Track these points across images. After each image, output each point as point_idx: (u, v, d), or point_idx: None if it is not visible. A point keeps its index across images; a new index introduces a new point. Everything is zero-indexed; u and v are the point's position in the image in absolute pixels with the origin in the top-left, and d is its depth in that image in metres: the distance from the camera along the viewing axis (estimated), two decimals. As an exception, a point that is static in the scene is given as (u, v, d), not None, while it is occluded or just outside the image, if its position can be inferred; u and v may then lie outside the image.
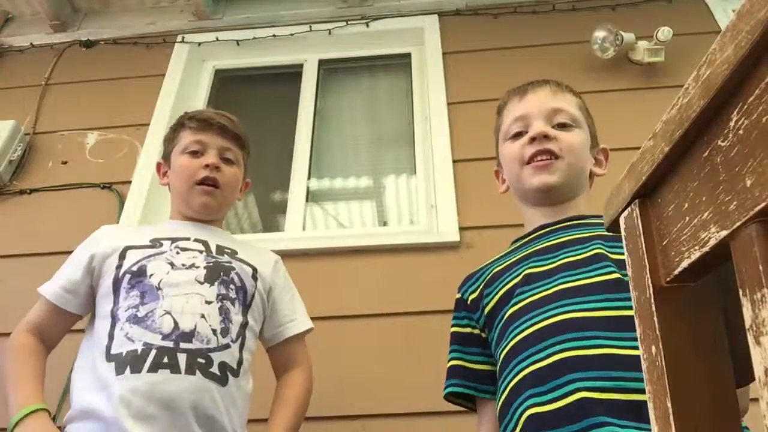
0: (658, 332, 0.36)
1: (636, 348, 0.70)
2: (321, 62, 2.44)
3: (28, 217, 2.02)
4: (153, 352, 1.00)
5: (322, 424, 1.59)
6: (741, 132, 0.29)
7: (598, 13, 2.28)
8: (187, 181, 1.22)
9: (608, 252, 0.83)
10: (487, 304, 0.91)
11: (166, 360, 1.00)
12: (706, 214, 0.32)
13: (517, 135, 0.96)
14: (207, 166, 1.21)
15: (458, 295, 1.01)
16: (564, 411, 0.70)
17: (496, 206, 1.58)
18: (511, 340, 0.82)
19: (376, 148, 2.30)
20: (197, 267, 1.13)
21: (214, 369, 1.04)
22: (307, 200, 2.08)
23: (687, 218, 0.34)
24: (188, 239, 1.19)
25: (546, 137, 0.91)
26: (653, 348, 0.36)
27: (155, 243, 1.17)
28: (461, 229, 1.80)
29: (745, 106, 0.29)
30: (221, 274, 1.14)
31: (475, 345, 0.94)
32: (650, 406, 0.36)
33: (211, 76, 2.46)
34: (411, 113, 2.23)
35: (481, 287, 0.95)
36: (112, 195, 2.03)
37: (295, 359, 1.23)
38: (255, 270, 1.20)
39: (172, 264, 1.12)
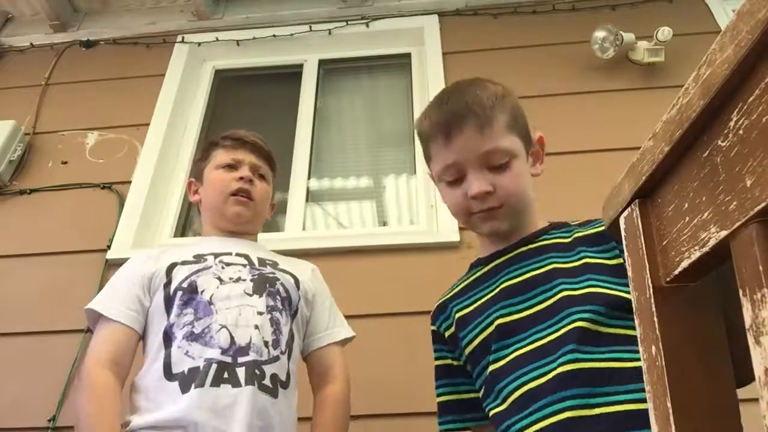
0: (658, 332, 0.36)
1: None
2: (321, 62, 2.45)
3: (28, 217, 2.02)
4: (214, 367, 1.03)
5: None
6: (741, 132, 0.29)
7: (598, 13, 2.28)
8: (222, 193, 1.25)
9: (563, 263, 0.87)
10: (466, 346, 0.91)
11: (226, 375, 1.03)
12: (706, 214, 0.32)
13: (454, 181, 0.92)
14: (241, 178, 1.24)
15: (433, 327, 1.01)
16: None
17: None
18: (501, 402, 0.83)
19: (376, 148, 2.30)
20: (244, 280, 1.14)
21: (267, 381, 1.06)
22: (307, 200, 2.08)
23: (687, 218, 0.34)
24: (230, 254, 1.20)
25: (487, 194, 0.88)
26: (653, 348, 0.36)
27: (199, 258, 1.18)
28: (461, 229, 1.80)
29: (745, 106, 0.29)
30: (267, 285, 1.16)
31: (461, 376, 0.95)
32: (650, 406, 0.36)
33: (211, 76, 2.46)
34: (411, 113, 2.23)
35: (454, 327, 0.95)
36: (112, 195, 2.03)
37: (332, 370, 1.21)
38: (297, 279, 1.22)
39: (220, 279, 1.14)
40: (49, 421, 1.62)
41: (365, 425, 1.56)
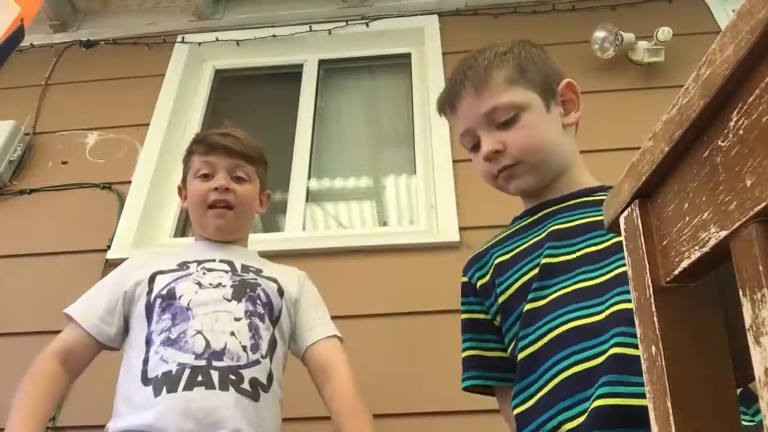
0: (658, 332, 0.36)
1: None
2: (321, 62, 2.44)
3: (28, 217, 2.02)
4: (187, 372, 1.02)
5: (323, 424, 1.59)
6: (741, 132, 0.29)
7: (597, 13, 2.28)
8: (200, 205, 1.24)
9: None
10: (501, 293, 0.86)
11: (200, 378, 1.02)
12: (706, 214, 0.32)
13: (474, 147, 0.92)
14: (216, 189, 1.22)
15: (464, 279, 0.96)
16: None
17: (496, 206, 1.58)
18: (534, 342, 0.77)
19: (376, 148, 2.30)
20: (224, 286, 1.15)
21: (245, 385, 1.05)
22: (307, 200, 2.08)
23: (687, 218, 0.34)
24: (214, 260, 1.21)
25: (497, 152, 0.87)
26: (653, 348, 0.36)
27: (182, 266, 1.19)
28: (461, 229, 1.80)
29: (745, 106, 0.29)
30: (248, 290, 1.16)
31: (489, 332, 0.89)
32: (650, 406, 0.36)
33: (211, 76, 2.46)
34: (411, 113, 2.23)
35: (491, 274, 0.89)
36: (112, 195, 2.03)
37: (330, 362, 1.18)
38: (280, 285, 1.22)
39: (199, 284, 1.14)
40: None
41: (365, 425, 1.56)
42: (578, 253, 0.80)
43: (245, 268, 1.22)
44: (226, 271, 1.19)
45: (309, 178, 2.13)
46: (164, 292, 1.14)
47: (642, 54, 2.07)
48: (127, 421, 1.02)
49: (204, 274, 1.17)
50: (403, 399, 1.58)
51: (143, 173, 2.06)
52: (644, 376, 0.37)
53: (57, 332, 1.76)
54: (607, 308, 0.72)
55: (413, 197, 2.06)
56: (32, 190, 2.07)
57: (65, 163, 2.14)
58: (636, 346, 0.40)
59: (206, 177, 1.25)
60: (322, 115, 2.33)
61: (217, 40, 2.42)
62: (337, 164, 2.24)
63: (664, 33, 1.99)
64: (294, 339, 1.23)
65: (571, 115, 0.93)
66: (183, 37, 2.44)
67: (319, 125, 2.28)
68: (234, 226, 1.27)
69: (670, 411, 0.34)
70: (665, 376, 0.35)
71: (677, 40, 2.01)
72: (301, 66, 2.43)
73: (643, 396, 0.37)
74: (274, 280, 1.22)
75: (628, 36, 2.07)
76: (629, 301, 0.67)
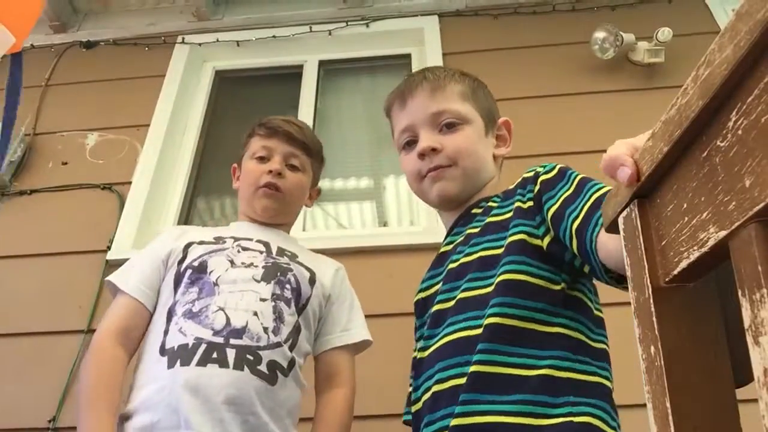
0: (657, 332, 0.36)
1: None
2: (321, 63, 2.45)
3: (28, 218, 2.02)
4: (203, 347, 1.01)
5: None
6: (740, 132, 0.29)
7: (597, 13, 2.28)
8: (252, 185, 1.24)
9: (500, 214, 0.83)
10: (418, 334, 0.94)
11: (215, 355, 1.01)
12: (705, 214, 0.32)
13: (409, 144, 0.95)
14: (270, 171, 1.23)
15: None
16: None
17: (496, 207, 1.58)
18: (416, 400, 0.86)
19: (376, 149, 2.30)
20: (256, 266, 1.14)
21: (263, 367, 1.03)
22: (307, 201, 2.08)
23: (686, 218, 0.34)
24: (251, 240, 1.21)
25: (434, 150, 0.90)
26: (652, 348, 0.36)
27: (218, 240, 1.19)
28: (461, 229, 1.80)
29: (744, 107, 0.29)
30: (278, 274, 1.15)
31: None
32: (649, 406, 0.36)
33: (212, 76, 2.46)
34: (411, 114, 2.23)
35: (415, 311, 0.98)
36: (112, 196, 2.03)
37: (339, 374, 1.19)
38: (313, 275, 1.20)
39: (232, 262, 1.14)
40: (49, 421, 1.62)
41: (365, 426, 1.56)
42: (456, 299, 0.82)
43: (281, 252, 1.21)
44: (261, 252, 1.18)
45: (309, 178, 2.13)
46: (196, 264, 1.13)
47: (642, 54, 2.07)
48: (140, 393, 1.01)
49: (239, 252, 1.17)
50: (402, 399, 1.58)
51: (143, 174, 2.06)
52: (643, 376, 0.37)
53: (58, 332, 1.78)
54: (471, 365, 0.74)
55: (413, 197, 2.05)
56: (32, 191, 2.07)
57: (65, 163, 2.14)
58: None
59: (262, 160, 1.26)
60: (322, 116, 2.33)
61: (218, 40, 2.42)
62: (337, 165, 2.23)
63: (664, 33, 1.99)
64: (317, 334, 1.21)
65: (502, 148, 0.98)
66: (183, 38, 2.44)
67: (320, 126, 2.28)
68: (281, 209, 1.26)
69: (670, 411, 0.34)
70: (664, 377, 0.35)
71: (677, 41, 2.01)
72: (301, 67, 2.43)
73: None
74: (308, 268, 1.21)
75: (628, 36, 2.07)
76: (484, 362, 0.70)
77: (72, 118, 2.25)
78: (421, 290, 0.96)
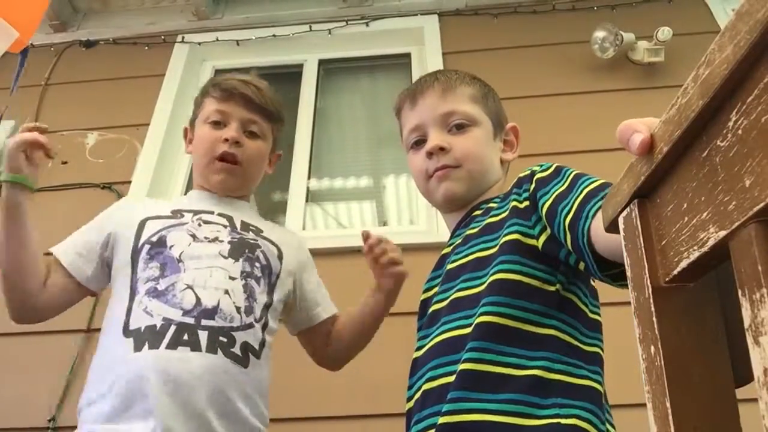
0: (657, 332, 0.36)
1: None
2: (321, 62, 2.45)
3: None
4: (173, 328, 0.95)
5: (323, 424, 1.59)
6: (740, 132, 0.29)
7: (597, 13, 2.28)
8: (207, 154, 1.15)
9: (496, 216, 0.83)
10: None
11: (186, 337, 0.94)
12: (705, 214, 0.32)
13: (417, 144, 0.95)
14: (227, 140, 1.13)
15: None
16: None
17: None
18: (411, 397, 0.88)
19: (376, 148, 2.30)
20: (221, 241, 1.08)
21: (236, 349, 0.98)
22: (306, 200, 2.08)
23: (686, 218, 0.34)
24: (212, 213, 1.13)
25: (442, 149, 0.90)
26: (652, 348, 0.36)
27: (176, 214, 1.12)
28: (461, 229, 1.80)
29: (744, 106, 0.29)
30: (246, 250, 1.08)
31: None
32: (649, 406, 0.36)
33: (211, 75, 2.45)
34: (411, 113, 2.23)
35: (418, 310, 0.98)
36: (112, 195, 2.03)
37: (336, 323, 1.23)
38: (280, 250, 1.15)
39: (194, 236, 1.07)
40: (49, 421, 1.62)
41: (365, 425, 1.56)
42: (450, 299, 0.82)
43: (245, 226, 1.14)
44: (225, 226, 1.11)
45: (309, 177, 2.14)
46: (154, 239, 1.05)
47: (642, 54, 2.07)
48: (104, 377, 0.94)
49: (200, 225, 1.09)
50: (402, 399, 1.58)
51: (143, 173, 2.06)
52: (643, 376, 0.37)
53: (58, 332, 1.77)
54: (461, 363, 0.73)
55: (413, 197, 2.06)
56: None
57: (65, 163, 2.14)
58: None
59: (217, 125, 1.15)
60: (322, 115, 2.33)
61: (217, 39, 2.42)
62: (337, 164, 2.24)
63: (664, 33, 1.99)
64: (297, 310, 1.19)
65: (509, 153, 0.99)
66: (183, 37, 2.44)
67: (319, 125, 2.28)
68: (240, 183, 1.18)
69: (669, 411, 0.34)
70: (664, 377, 0.35)
71: (677, 40, 2.01)
72: (301, 66, 2.44)
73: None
74: (274, 243, 1.16)
75: (628, 36, 2.07)
76: (474, 361, 0.70)
77: (72, 118, 2.25)
78: (423, 292, 0.96)
